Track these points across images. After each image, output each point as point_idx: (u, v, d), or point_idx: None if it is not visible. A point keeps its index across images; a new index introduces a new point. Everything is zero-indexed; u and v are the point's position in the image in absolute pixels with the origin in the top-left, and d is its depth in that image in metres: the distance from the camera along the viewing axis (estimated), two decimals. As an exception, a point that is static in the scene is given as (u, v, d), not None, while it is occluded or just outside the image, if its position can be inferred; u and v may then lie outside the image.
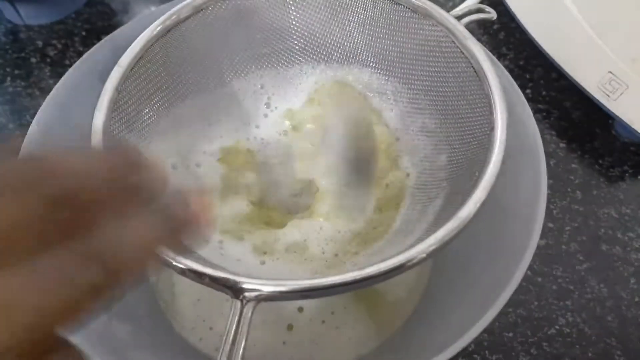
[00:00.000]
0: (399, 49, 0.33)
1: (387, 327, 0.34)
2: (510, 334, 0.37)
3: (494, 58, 0.33)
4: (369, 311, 0.35)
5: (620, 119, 0.44)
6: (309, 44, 0.35)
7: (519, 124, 0.32)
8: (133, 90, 0.30)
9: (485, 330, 0.37)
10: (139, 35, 0.31)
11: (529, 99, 0.48)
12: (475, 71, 0.28)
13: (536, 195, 0.29)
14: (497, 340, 0.37)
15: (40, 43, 0.53)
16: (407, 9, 0.31)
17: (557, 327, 0.38)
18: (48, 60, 0.52)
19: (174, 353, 0.33)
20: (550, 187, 0.44)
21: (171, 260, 0.23)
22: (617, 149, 0.46)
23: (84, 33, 0.54)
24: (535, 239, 0.27)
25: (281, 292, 0.23)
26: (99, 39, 0.35)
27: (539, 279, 0.39)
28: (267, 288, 0.23)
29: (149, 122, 0.32)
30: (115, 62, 0.32)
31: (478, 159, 0.26)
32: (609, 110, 0.44)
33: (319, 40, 0.35)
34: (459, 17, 0.31)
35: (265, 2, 0.34)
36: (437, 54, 0.31)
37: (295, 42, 0.35)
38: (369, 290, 0.35)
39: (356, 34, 0.34)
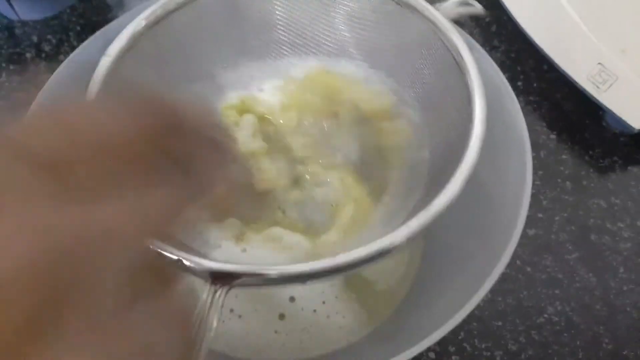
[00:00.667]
0: (385, 42, 0.33)
1: (378, 315, 0.35)
2: (500, 323, 0.38)
3: (481, 49, 0.33)
4: (359, 300, 0.35)
5: (610, 110, 0.44)
6: (298, 37, 0.35)
7: (505, 114, 0.32)
8: (121, 80, 0.31)
9: (474, 319, 0.38)
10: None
11: (520, 91, 0.49)
12: (456, 63, 0.29)
13: (522, 183, 0.29)
14: (487, 329, 0.37)
15: (35, 38, 0.53)
16: (393, 2, 0.32)
17: (545, 315, 0.38)
18: (43, 55, 0.52)
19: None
20: (540, 177, 0.44)
21: (149, 245, 0.24)
22: (607, 140, 0.46)
23: (78, 28, 0.54)
24: (520, 226, 0.28)
25: (253, 278, 0.23)
26: (94, 34, 0.36)
27: (529, 269, 0.40)
28: (243, 273, 0.23)
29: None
30: (108, 56, 0.32)
31: (457, 152, 0.27)
32: (599, 101, 0.45)
33: (307, 33, 0.35)
34: (444, 11, 0.31)
35: None
36: (422, 47, 0.31)
37: (284, 34, 0.35)
38: (359, 280, 0.36)
39: (344, 26, 0.34)
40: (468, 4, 0.33)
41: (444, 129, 0.30)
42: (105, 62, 0.30)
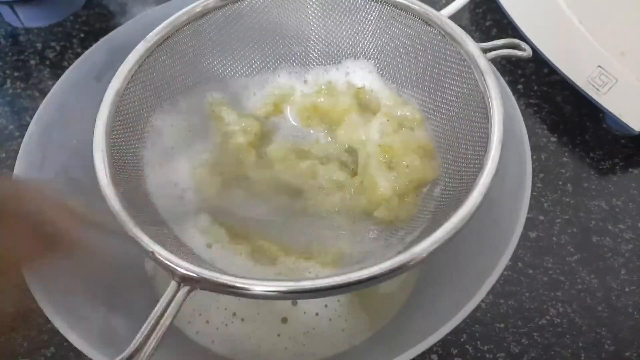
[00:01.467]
0: (422, 69, 0.33)
1: (380, 319, 0.35)
2: (502, 325, 0.38)
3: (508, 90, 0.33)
4: (362, 304, 0.35)
5: (610, 112, 0.44)
6: (341, 53, 0.37)
7: (505, 117, 0.32)
8: (157, 65, 0.32)
9: (476, 321, 0.38)
10: (135, 36, 0.32)
11: (520, 94, 0.49)
12: (485, 107, 0.29)
13: (521, 187, 0.29)
14: (489, 331, 0.38)
15: (39, 45, 0.54)
16: (438, 33, 0.32)
17: (547, 317, 0.38)
18: (47, 62, 0.53)
19: (171, 346, 0.34)
20: (541, 180, 0.44)
21: (127, 230, 0.25)
22: (608, 142, 0.46)
23: (82, 35, 0.55)
24: (518, 230, 0.28)
25: (215, 285, 0.24)
26: (97, 41, 0.36)
27: (530, 271, 0.40)
28: (202, 277, 0.24)
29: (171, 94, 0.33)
30: (112, 63, 0.33)
31: (460, 199, 0.26)
32: (599, 104, 0.45)
33: (350, 51, 0.36)
34: (487, 50, 0.31)
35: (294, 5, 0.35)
36: (456, 81, 0.31)
37: (325, 47, 0.37)
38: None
39: (384, 48, 0.35)
40: (517, 48, 0.31)
41: (458, 171, 0.30)
42: (142, 47, 0.31)
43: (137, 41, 0.32)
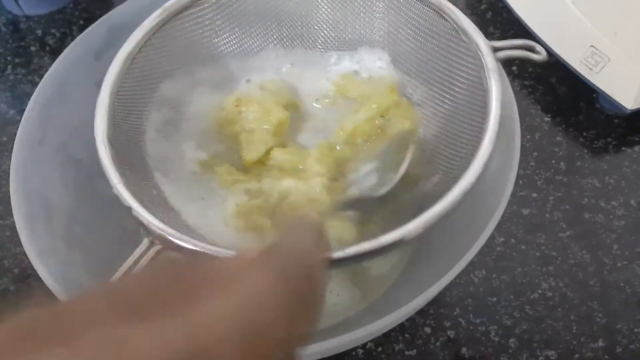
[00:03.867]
0: (432, 60, 0.34)
1: (371, 294, 0.35)
2: (494, 299, 0.38)
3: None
4: (353, 280, 0.36)
5: (603, 91, 0.45)
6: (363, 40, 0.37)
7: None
8: (172, 34, 0.33)
9: (469, 295, 0.39)
10: (135, 16, 0.33)
11: (515, 76, 0.50)
12: (485, 105, 0.29)
13: (509, 166, 0.30)
14: (482, 305, 0.38)
15: (39, 32, 0.55)
16: (452, 28, 0.32)
17: (539, 291, 0.39)
18: (47, 48, 0.54)
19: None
20: (535, 159, 0.45)
21: (112, 186, 0.26)
22: (601, 122, 0.47)
23: (81, 22, 0.55)
24: (503, 205, 0.29)
25: (184, 248, 0.24)
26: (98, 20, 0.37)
27: (523, 247, 0.41)
28: (173, 239, 0.24)
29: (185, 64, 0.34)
30: (111, 41, 0.33)
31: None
32: (592, 83, 0.45)
33: (364, 39, 0.37)
34: (499, 49, 0.31)
35: None
36: (462, 74, 0.32)
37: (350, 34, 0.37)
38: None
39: (398, 37, 0.35)
40: (532, 50, 0.31)
41: (450, 167, 0.31)
42: (156, 15, 0.32)
43: (136, 21, 0.33)
